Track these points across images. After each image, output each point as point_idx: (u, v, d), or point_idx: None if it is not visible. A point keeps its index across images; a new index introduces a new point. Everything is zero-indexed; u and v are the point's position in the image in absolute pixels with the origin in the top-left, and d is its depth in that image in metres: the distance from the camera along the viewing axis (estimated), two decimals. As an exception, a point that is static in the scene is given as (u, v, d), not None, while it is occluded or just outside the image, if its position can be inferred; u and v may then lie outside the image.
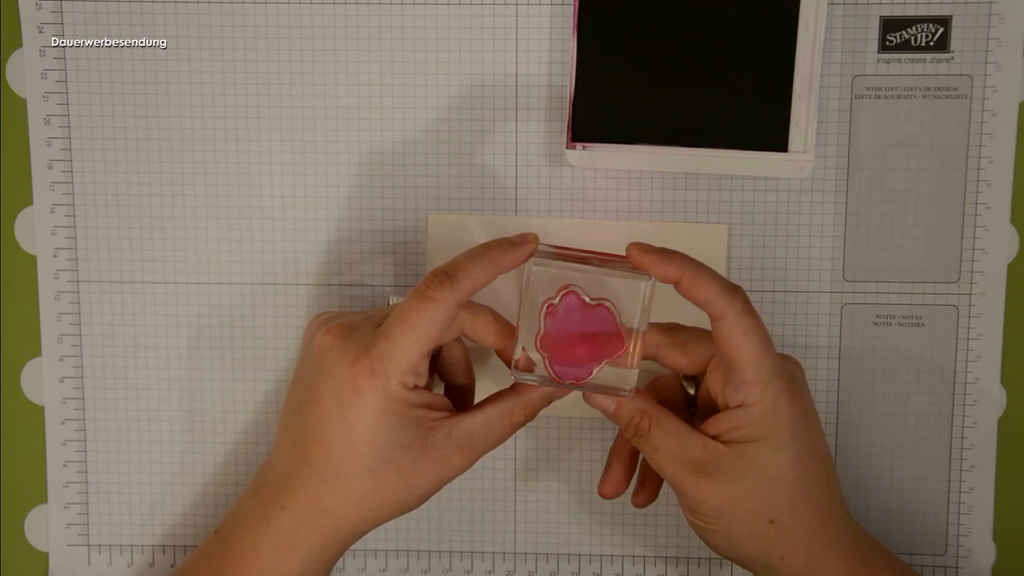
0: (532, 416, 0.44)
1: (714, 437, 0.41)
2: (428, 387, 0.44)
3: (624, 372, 0.41)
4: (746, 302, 0.40)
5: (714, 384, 0.42)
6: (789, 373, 0.42)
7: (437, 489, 0.42)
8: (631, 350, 0.41)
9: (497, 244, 0.42)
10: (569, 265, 0.41)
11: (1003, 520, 0.50)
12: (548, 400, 0.44)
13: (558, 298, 0.42)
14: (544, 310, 0.42)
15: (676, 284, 0.40)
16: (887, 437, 0.50)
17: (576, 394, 0.43)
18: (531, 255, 0.42)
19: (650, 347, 0.44)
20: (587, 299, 0.41)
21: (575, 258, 0.42)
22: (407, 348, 0.40)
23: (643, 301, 0.41)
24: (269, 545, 0.42)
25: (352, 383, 0.41)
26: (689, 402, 0.45)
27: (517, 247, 0.42)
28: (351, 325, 0.42)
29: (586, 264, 0.41)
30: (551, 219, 0.49)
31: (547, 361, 0.42)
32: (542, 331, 0.42)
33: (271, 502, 0.42)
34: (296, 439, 0.42)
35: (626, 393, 0.42)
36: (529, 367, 0.42)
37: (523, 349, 0.42)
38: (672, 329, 0.44)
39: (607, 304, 0.41)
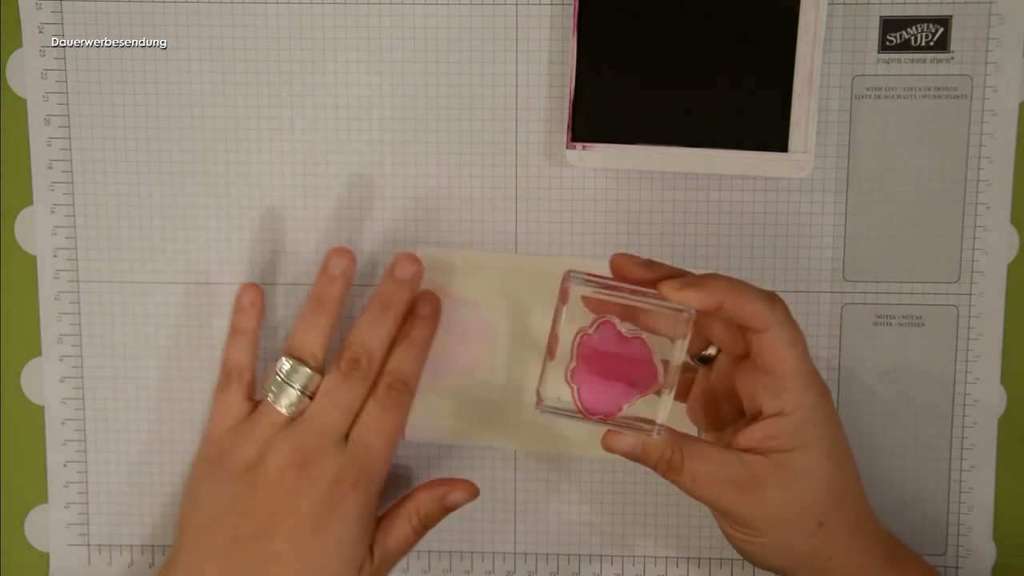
0: (428, 520, 0.46)
1: (748, 450, 0.41)
2: None
3: (653, 410, 0.40)
4: (787, 310, 0.40)
5: (745, 389, 0.42)
6: (821, 379, 0.41)
7: None
8: (666, 386, 0.40)
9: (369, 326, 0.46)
10: (607, 293, 0.40)
11: (1003, 520, 0.50)
12: (440, 505, 0.46)
13: (593, 328, 0.40)
14: (578, 339, 0.40)
15: (717, 310, 0.39)
16: (887, 437, 0.50)
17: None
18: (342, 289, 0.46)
19: (703, 318, 0.42)
20: (623, 331, 0.40)
21: (610, 287, 0.40)
22: (387, 454, 0.44)
23: (682, 335, 0.39)
24: None
25: (332, 500, 0.43)
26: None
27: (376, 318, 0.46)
28: (313, 448, 0.44)
29: (621, 293, 0.40)
30: (551, 222, 0.49)
31: (577, 394, 0.40)
32: (574, 362, 0.40)
33: None
34: (245, 564, 0.42)
35: (656, 434, 0.40)
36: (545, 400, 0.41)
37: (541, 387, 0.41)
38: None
39: (643, 337, 0.40)
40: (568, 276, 0.40)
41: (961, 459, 0.50)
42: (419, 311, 0.47)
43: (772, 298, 0.40)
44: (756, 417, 0.41)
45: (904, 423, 0.50)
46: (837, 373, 0.49)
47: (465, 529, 0.51)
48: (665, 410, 0.40)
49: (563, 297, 0.40)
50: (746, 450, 0.41)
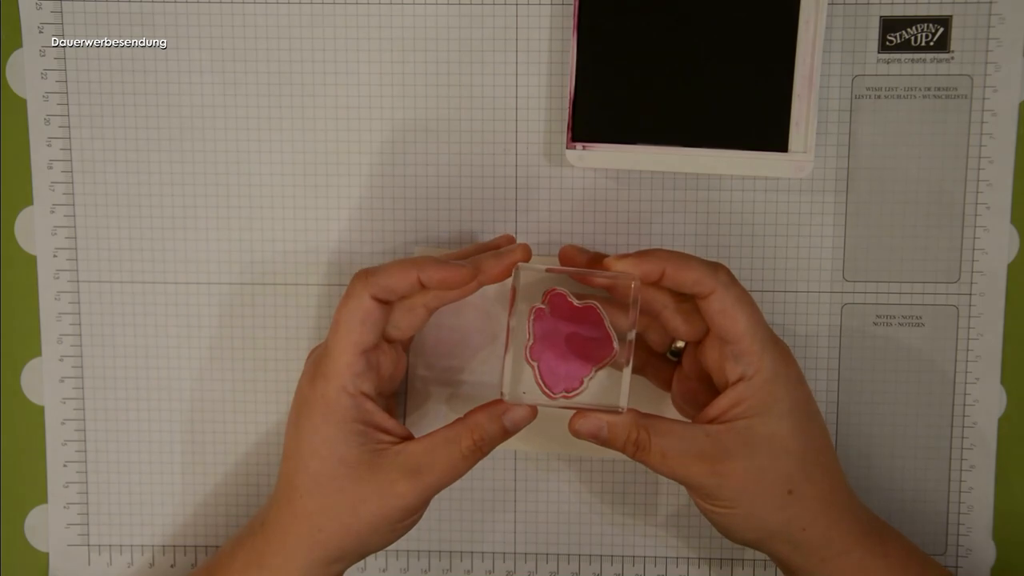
0: (483, 443, 0.41)
1: (716, 419, 0.41)
2: (389, 411, 0.46)
3: (616, 388, 0.41)
4: (731, 275, 0.41)
5: (712, 365, 0.43)
6: (781, 342, 0.43)
7: (386, 520, 0.42)
8: (622, 353, 0.41)
9: (426, 258, 0.42)
10: (554, 270, 0.42)
11: (1003, 520, 0.50)
12: (499, 424, 0.42)
13: (545, 301, 0.42)
14: (532, 315, 0.42)
15: (660, 279, 0.41)
16: (887, 437, 0.50)
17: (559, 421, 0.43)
18: (464, 280, 0.41)
19: (655, 305, 0.43)
20: (574, 300, 0.41)
21: (560, 270, 0.43)
22: (337, 348, 0.41)
23: (631, 301, 0.41)
24: (240, 562, 0.43)
25: (307, 394, 0.42)
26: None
27: (447, 268, 0.41)
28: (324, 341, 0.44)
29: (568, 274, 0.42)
30: (551, 223, 0.49)
31: (537, 371, 0.41)
32: (531, 339, 0.41)
33: (254, 524, 0.44)
34: (282, 461, 0.44)
35: (620, 410, 0.41)
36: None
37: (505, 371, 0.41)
38: (680, 295, 0.43)
39: (594, 304, 0.41)
40: (518, 268, 0.42)
41: (961, 459, 0.50)
42: (458, 265, 0.42)
43: (714, 264, 0.41)
44: (725, 388, 0.42)
45: (904, 423, 0.50)
46: (837, 373, 0.49)
47: (465, 529, 0.51)
48: (626, 384, 0.41)
49: (514, 287, 0.42)
50: (714, 420, 0.41)
